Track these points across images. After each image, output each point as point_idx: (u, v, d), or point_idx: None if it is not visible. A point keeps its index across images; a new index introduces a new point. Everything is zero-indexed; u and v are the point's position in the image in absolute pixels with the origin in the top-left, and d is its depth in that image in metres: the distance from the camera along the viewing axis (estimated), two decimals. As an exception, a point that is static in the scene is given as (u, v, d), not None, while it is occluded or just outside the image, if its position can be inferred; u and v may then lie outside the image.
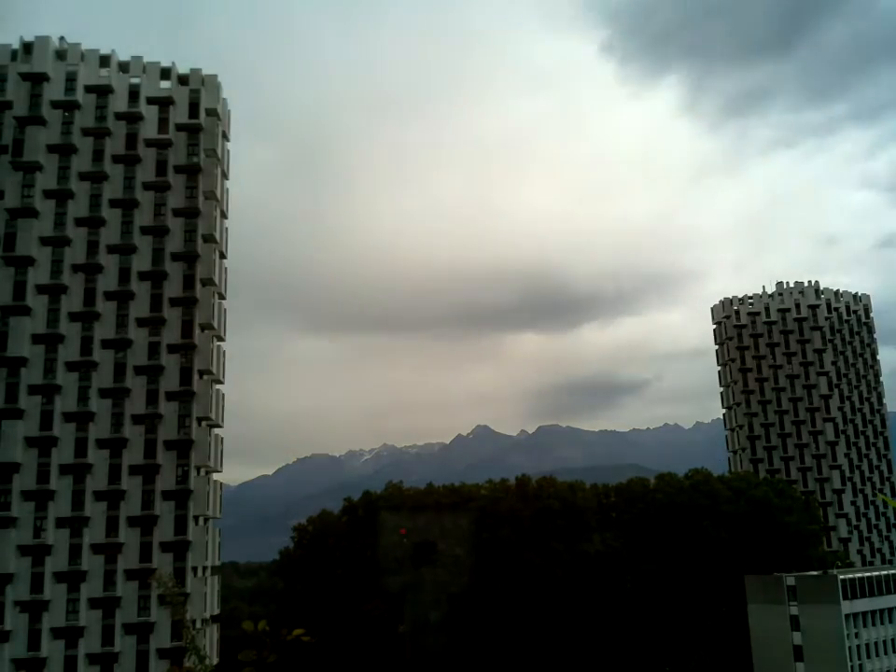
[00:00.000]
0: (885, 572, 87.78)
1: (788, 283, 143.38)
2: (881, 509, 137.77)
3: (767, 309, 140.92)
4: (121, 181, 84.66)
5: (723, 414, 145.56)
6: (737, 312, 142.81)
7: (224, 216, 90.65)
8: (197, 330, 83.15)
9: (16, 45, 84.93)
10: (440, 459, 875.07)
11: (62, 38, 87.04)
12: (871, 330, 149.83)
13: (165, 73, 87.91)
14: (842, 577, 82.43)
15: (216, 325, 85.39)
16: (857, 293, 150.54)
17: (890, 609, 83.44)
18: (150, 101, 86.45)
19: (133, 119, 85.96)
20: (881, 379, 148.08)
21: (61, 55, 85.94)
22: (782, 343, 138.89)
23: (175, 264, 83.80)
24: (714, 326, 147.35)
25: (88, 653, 74.48)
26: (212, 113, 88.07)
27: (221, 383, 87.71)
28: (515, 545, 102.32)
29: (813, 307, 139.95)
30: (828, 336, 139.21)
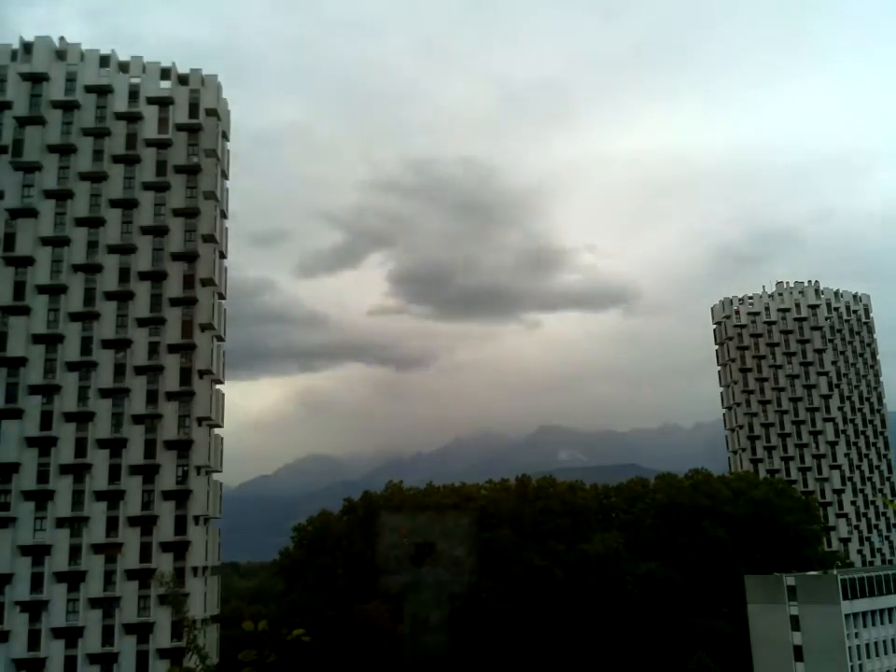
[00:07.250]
0: (885, 572, 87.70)
1: (788, 283, 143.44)
2: (881, 509, 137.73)
3: (767, 309, 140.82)
4: (121, 181, 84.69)
5: (723, 414, 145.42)
6: (737, 312, 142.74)
7: (224, 215, 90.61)
8: (197, 330, 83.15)
9: (16, 45, 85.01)
10: (440, 459, 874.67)
11: (62, 38, 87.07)
12: (871, 330, 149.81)
13: (165, 73, 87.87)
14: (842, 577, 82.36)
15: (216, 325, 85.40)
16: (857, 293, 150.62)
17: (890, 609, 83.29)
18: (150, 101, 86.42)
19: (132, 118, 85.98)
20: (881, 379, 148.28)
21: (61, 55, 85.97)
22: (782, 343, 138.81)
23: (174, 264, 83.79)
24: (714, 326, 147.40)
25: (88, 653, 74.43)
26: (212, 113, 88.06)
27: (221, 383, 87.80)
28: (515, 545, 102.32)
29: (813, 307, 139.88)
30: (828, 336, 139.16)
